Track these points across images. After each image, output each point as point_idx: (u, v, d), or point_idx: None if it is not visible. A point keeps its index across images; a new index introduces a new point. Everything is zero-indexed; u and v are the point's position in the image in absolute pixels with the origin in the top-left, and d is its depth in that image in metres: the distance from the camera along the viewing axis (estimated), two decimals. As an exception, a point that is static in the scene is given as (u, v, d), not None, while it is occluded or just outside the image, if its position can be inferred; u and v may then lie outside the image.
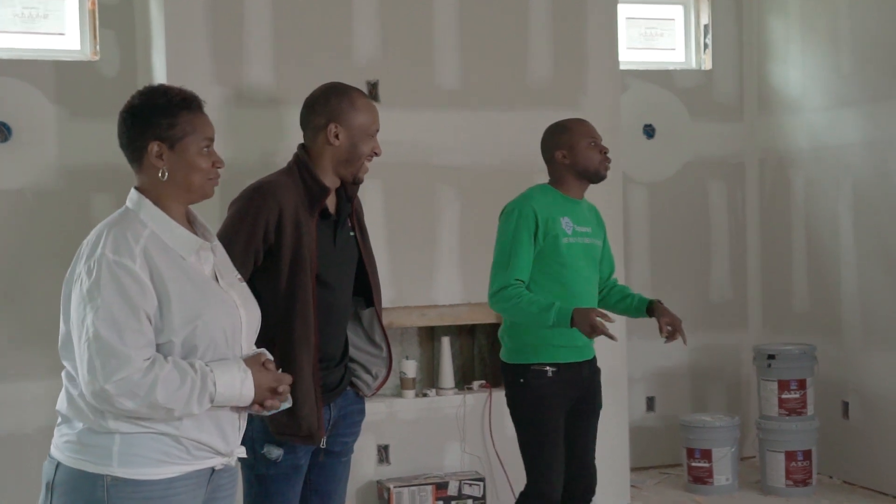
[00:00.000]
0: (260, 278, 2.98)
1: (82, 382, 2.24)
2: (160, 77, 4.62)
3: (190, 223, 2.44)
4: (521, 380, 3.70)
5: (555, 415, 3.71)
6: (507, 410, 4.94)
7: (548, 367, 3.67)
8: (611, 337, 3.50)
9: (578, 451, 3.81)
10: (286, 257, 2.96)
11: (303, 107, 3.20)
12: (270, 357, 2.45)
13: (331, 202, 3.12)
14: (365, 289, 3.22)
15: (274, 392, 2.39)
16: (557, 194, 3.77)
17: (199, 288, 2.34)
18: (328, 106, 3.12)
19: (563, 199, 3.76)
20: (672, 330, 3.65)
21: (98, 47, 5.07)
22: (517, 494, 3.86)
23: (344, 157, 3.10)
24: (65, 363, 2.35)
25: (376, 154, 3.16)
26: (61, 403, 2.35)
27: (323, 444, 3.06)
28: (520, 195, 3.80)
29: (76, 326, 2.26)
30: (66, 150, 4.99)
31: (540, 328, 3.62)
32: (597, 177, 3.77)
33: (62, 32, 5.09)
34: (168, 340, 2.28)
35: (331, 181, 3.11)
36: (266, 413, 2.43)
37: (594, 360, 3.85)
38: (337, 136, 3.09)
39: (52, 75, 4.98)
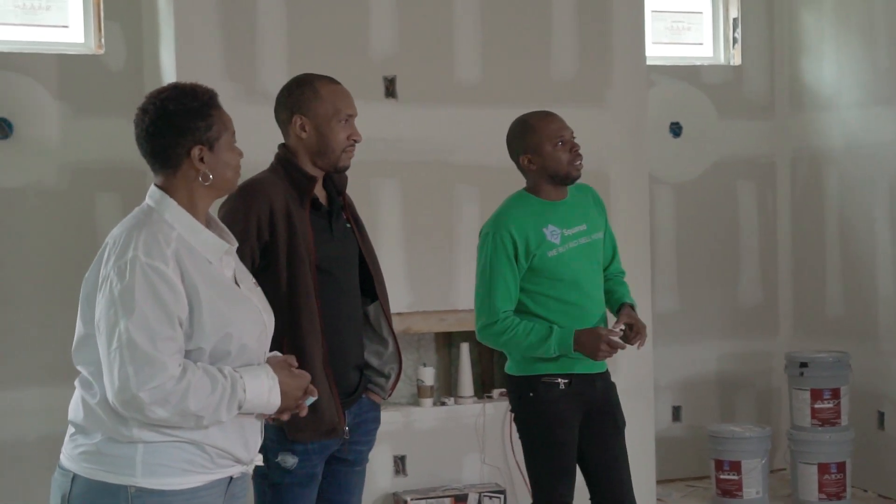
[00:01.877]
0: (260, 277, 2.94)
1: (110, 389, 2.20)
2: (168, 72, 4.52)
3: (206, 224, 2.42)
4: (531, 393, 3.50)
5: (566, 430, 3.51)
6: (528, 420, 4.87)
7: (560, 379, 3.48)
8: (623, 347, 3.40)
9: (609, 473, 3.59)
10: (282, 251, 2.94)
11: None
12: (296, 362, 2.46)
13: (321, 195, 3.11)
14: (368, 285, 3.18)
15: (303, 396, 2.42)
16: (536, 202, 3.52)
17: (227, 294, 2.32)
18: (290, 98, 3.10)
19: (542, 206, 3.51)
20: (630, 331, 3.44)
21: (103, 40, 4.98)
22: None
23: (315, 148, 3.06)
24: (80, 367, 2.31)
25: (355, 141, 3.10)
26: (75, 413, 2.31)
27: (346, 436, 3.01)
28: (495, 212, 3.58)
29: (105, 331, 2.21)
30: (69, 148, 4.91)
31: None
32: (568, 179, 3.50)
33: (65, 25, 5.00)
34: (198, 347, 2.26)
35: (314, 171, 3.08)
36: (285, 418, 2.43)
37: (607, 373, 3.64)
38: (304, 128, 3.06)
39: (55, 69, 4.89)
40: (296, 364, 2.45)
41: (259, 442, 2.42)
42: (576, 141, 3.52)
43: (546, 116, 3.55)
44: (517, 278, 3.46)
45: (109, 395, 2.20)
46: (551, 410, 3.48)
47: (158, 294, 2.20)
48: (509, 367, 3.59)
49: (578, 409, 3.53)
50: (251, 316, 2.36)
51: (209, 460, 2.28)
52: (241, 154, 2.42)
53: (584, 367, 3.50)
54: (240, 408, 2.27)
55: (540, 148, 3.48)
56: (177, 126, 2.32)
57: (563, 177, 3.49)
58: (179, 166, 2.34)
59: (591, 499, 3.65)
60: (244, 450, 2.34)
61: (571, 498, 3.57)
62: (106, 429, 2.23)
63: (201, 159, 2.33)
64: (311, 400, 2.44)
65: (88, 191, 4.90)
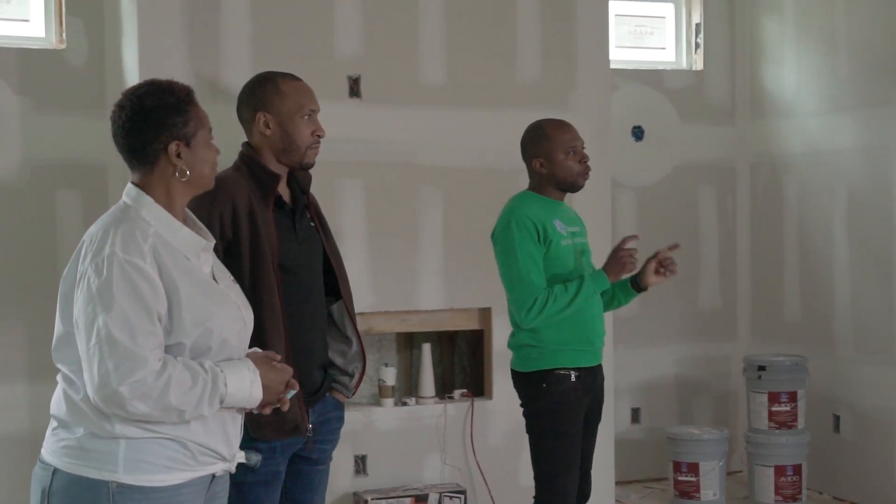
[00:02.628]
0: None
1: (90, 385, 2.19)
2: (131, 69, 4.48)
3: (184, 221, 2.41)
4: (544, 384, 3.60)
5: (575, 422, 3.64)
6: (489, 421, 4.93)
7: (571, 371, 3.60)
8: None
9: (581, 462, 3.72)
10: (245, 250, 2.93)
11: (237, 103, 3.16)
12: (278, 357, 2.46)
13: (285, 193, 3.09)
14: (333, 285, 3.18)
15: (284, 390, 2.41)
16: (541, 199, 3.69)
17: (206, 290, 2.32)
18: (253, 96, 3.09)
19: (548, 203, 3.68)
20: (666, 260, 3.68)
21: (64, 35, 4.92)
22: None
23: (280, 145, 3.06)
24: (60, 366, 2.29)
25: (319, 136, 3.10)
26: (58, 408, 2.29)
27: (309, 433, 3.01)
28: (505, 209, 3.70)
29: (83, 327, 2.20)
30: (29, 144, 4.85)
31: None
32: (573, 188, 3.70)
33: (26, 19, 4.94)
34: (178, 342, 2.25)
35: (278, 169, 3.07)
36: (267, 412, 2.41)
37: (601, 366, 3.78)
38: (268, 125, 3.05)
39: (15, 64, 4.82)
40: (278, 359, 2.44)
41: (240, 437, 2.41)
42: (585, 151, 3.69)
43: (561, 125, 3.71)
44: (542, 261, 3.57)
45: (90, 391, 2.19)
46: (563, 401, 3.59)
47: (137, 289, 2.19)
48: (518, 364, 3.68)
49: (584, 402, 3.65)
50: (230, 311, 2.36)
51: (192, 457, 2.27)
52: (217, 151, 2.41)
53: (590, 359, 3.65)
54: (221, 402, 2.26)
55: (553, 155, 3.63)
56: (154, 122, 2.31)
57: (571, 185, 3.67)
58: (157, 162, 2.33)
59: None
60: (226, 446, 2.34)
61: (575, 493, 3.64)
62: (89, 424, 2.22)
63: (178, 155, 2.32)
64: (291, 393, 2.43)
65: (48, 187, 4.83)
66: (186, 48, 4.49)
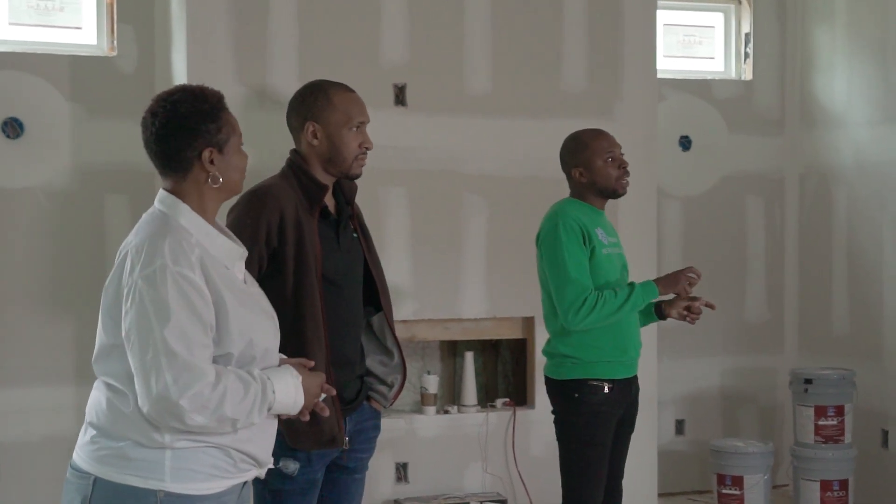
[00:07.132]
0: (266, 283, 2.92)
1: (146, 398, 2.17)
2: (180, 75, 4.54)
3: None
4: (576, 394, 3.62)
5: (606, 433, 3.65)
6: (532, 430, 4.91)
7: (605, 383, 3.61)
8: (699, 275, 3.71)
9: (612, 471, 3.73)
10: (290, 259, 2.94)
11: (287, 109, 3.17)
12: (311, 363, 2.47)
13: (330, 203, 3.11)
14: (373, 295, 3.17)
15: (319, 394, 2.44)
16: (585, 206, 3.71)
17: (245, 299, 2.32)
18: (303, 105, 3.10)
19: (591, 211, 3.71)
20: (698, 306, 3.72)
21: (115, 42, 4.99)
22: None
23: (327, 155, 3.06)
24: (105, 378, 2.28)
25: (367, 149, 3.10)
26: (100, 417, 2.27)
27: (346, 446, 3.03)
28: (550, 212, 3.72)
29: (137, 341, 2.18)
30: (80, 149, 4.92)
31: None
32: (615, 195, 3.73)
33: (78, 26, 5.01)
34: (226, 353, 2.26)
35: (326, 179, 3.08)
36: (305, 418, 2.43)
37: (637, 377, 3.78)
38: (315, 135, 3.06)
39: (67, 71, 4.90)
40: (311, 364, 2.46)
41: (273, 444, 2.42)
42: (625, 158, 3.71)
43: (598, 134, 3.75)
44: (588, 263, 3.59)
45: (144, 404, 2.17)
46: (595, 412, 3.62)
47: (191, 301, 2.19)
48: (551, 371, 3.69)
49: (617, 414, 3.67)
50: (266, 320, 2.38)
51: (233, 465, 2.28)
52: (246, 157, 2.40)
53: (624, 371, 3.66)
54: (269, 409, 2.28)
55: (591, 163, 3.67)
56: (188, 129, 2.30)
57: (611, 191, 3.70)
58: (190, 169, 2.32)
59: None
60: (264, 452, 2.35)
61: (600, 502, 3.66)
62: (136, 434, 2.21)
63: (211, 161, 2.31)
64: (323, 396, 2.47)
65: (98, 192, 4.89)
66: (234, 55, 4.54)
